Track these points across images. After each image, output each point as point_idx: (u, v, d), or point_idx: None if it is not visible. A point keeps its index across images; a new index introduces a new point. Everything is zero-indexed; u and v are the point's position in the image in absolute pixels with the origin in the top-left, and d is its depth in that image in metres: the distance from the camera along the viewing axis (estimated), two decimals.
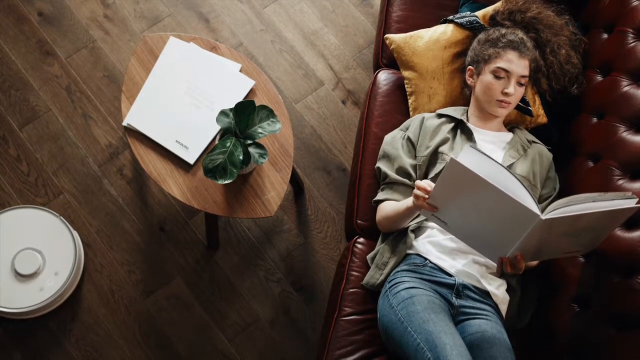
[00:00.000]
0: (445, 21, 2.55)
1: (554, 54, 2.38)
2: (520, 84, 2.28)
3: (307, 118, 3.04)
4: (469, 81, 2.37)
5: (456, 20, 2.50)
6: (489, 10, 2.51)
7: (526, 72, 2.28)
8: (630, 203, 1.83)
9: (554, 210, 1.79)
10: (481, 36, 2.37)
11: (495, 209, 1.83)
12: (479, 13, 2.51)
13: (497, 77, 2.27)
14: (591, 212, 1.80)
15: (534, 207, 1.79)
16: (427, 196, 1.97)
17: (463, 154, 1.82)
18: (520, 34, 2.32)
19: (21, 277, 2.62)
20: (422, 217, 2.23)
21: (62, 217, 2.72)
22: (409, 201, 2.16)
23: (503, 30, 2.33)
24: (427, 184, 2.00)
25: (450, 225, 1.97)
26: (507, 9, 2.44)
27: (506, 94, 2.26)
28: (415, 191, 2.01)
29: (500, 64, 2.27)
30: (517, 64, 2.26)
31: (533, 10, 2.42)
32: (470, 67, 2.36)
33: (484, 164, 1.81)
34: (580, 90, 2.40)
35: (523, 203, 1.77)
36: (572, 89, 2.40)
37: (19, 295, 2.60)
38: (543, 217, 1.77)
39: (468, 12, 2.53)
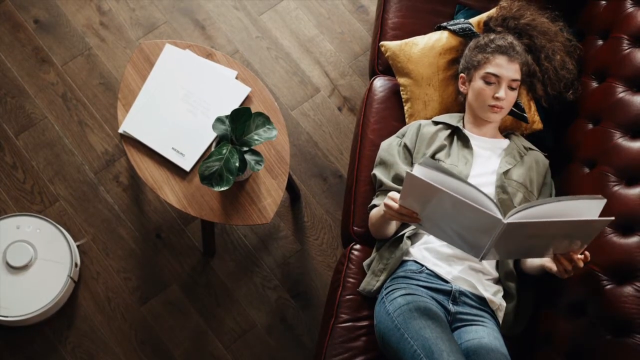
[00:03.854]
0: (440, 28, 2.56)
1: (548, 59, 2.39)
2: (511, 88, 2.28)
3: (303, 125, 3.04)
4: (462, 88, 2.37)
5: (450, 27, 2.50)
6: (483, 17, 2.51)
7: (517, 76, 2.28)
8: (600, 205, 1.83)
9: (516, 213, 1.80)
10: (472, 43, 2.37)
11: (458, 215, 1.86)
12: (474, 20, 2.52)
13: (488, 83, 2.27)
14: (557, 221, 1.80)
15: (495, 211, 1.81)
16: (394, 212, 2.00)
17: (417, 167, 1.85)
18: (510, 38, 2.32)
19: (13, 269, 2.61)
20: None
21: (58, 224, 2.71)
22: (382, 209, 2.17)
23: (492, 36, 2.33)
24: (393, 198, 2.03)
25: (425, 226, 2.00)
26: (501, 15, 2.45)
27: (497, 99, 2.26)
28: (386, 201, 2.03)
29: (490, 69, 2.27)
30: (506, 68, 2.26)
31: (527, 16, 2.42)
32: (462, 74, 2.37)
33: (440, 175, 1.84)
34: (575, 96, 2.41)
35: (482, 208, 1.80)
36: (567, 94, 2.41)
37: (16, 295, 2.60)
38: (505, 221, 1.80)
39: (462, 19, 2.54)
